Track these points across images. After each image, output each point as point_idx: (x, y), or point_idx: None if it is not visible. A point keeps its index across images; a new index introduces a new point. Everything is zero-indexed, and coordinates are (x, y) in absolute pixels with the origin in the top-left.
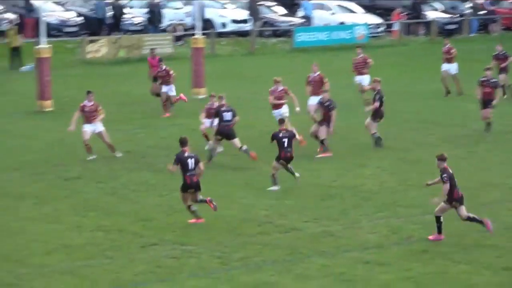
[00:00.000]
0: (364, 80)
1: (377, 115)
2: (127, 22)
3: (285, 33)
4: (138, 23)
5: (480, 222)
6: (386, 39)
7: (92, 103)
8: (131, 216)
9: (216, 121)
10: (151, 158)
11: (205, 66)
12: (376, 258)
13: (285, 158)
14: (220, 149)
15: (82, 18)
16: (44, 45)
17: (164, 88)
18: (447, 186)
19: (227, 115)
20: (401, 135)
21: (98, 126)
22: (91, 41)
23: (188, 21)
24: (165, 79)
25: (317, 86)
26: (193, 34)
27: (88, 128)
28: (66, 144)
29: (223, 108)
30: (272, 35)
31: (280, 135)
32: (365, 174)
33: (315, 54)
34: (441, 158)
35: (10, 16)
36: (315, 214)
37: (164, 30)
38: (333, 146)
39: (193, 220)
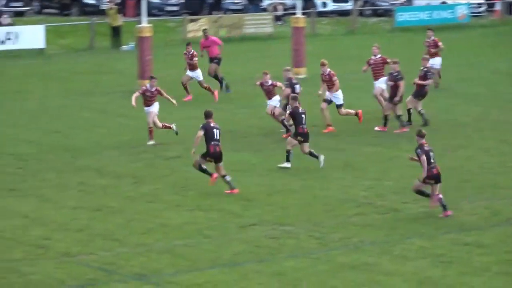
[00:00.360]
0: (436, 62)
1: (420, 93)
2: (227, 1)
3: (386, 13)
4: (239, 2)
5: (444, 209)
6: (487, 18)
7: (154, 88)
8: (231, 196)
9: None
10: (252, 138)
11: (305, 45)
12: (475, 240)
13: (302, 133)
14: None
15: None
16: (145, 24)
17: (190, 73)
18: (423, 157)
19: (298, 87)
20: (502, 116)
21: (154, 107)
22: (192, 21)
23: (288, 0)
24: (192, 63)
25: (378, 69)
26: (293, 14)
27: (149, 113)
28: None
29: (294, 81)
30: (373, 14)
31: (300, 110)
32: (465, 155)
33: (416, 33)
34: (419, 135)
35: None
36: (414, 195)
37: (264, 10)
38: (434, 128)
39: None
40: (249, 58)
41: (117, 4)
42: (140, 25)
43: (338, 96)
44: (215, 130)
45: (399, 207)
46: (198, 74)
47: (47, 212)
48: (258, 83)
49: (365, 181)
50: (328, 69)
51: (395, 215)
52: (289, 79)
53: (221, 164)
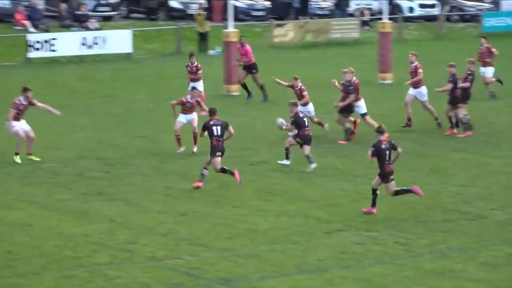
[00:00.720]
0: (488, 71)
1: (465, 97)
2: (314, 6)
3: (473, 18)
4: (325, 7)
5: (409, 191)
6: None
7: (194, 100)
8: (316, 201)
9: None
10: (337, 144)
11: (392, 51)
12: None
13: (303, 136)
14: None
15: (269, 2)
16: (232, 29)
17: (193, 84)
18: (371, 158)
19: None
20: None
21: (192, 116)
22: (278, 25)
23: (375, 5)
24: (195, 75)
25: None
26: (380, 19)
27: (182, 118)
28: (254, 129)
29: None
30: (459, 19)
31: (301, 115)
32: None
33: (504, 39)
34: (378, 131)
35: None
36: (502, 202)
37: (351, 15)
38: None
39: (197, 184)
40: (335, 63)
41: (205, 9)
42: (226, 30)
43: (361, 105)
44: (214, 128)
45: (486, 213)
46: (200, 84)
47: (133, 216)
48: (287, 84)
49: (452, 187)
50: (355, 78)
51: (482, 222)
52: (349, 82)
53: (221, 158)
